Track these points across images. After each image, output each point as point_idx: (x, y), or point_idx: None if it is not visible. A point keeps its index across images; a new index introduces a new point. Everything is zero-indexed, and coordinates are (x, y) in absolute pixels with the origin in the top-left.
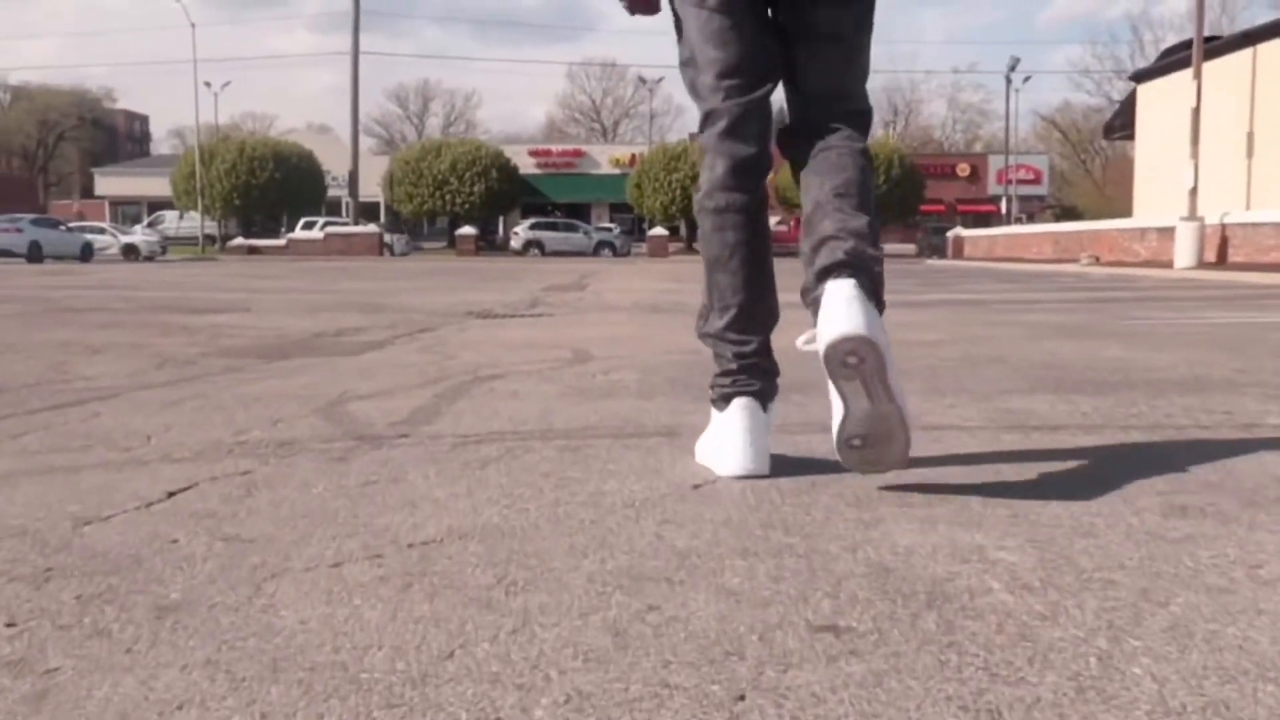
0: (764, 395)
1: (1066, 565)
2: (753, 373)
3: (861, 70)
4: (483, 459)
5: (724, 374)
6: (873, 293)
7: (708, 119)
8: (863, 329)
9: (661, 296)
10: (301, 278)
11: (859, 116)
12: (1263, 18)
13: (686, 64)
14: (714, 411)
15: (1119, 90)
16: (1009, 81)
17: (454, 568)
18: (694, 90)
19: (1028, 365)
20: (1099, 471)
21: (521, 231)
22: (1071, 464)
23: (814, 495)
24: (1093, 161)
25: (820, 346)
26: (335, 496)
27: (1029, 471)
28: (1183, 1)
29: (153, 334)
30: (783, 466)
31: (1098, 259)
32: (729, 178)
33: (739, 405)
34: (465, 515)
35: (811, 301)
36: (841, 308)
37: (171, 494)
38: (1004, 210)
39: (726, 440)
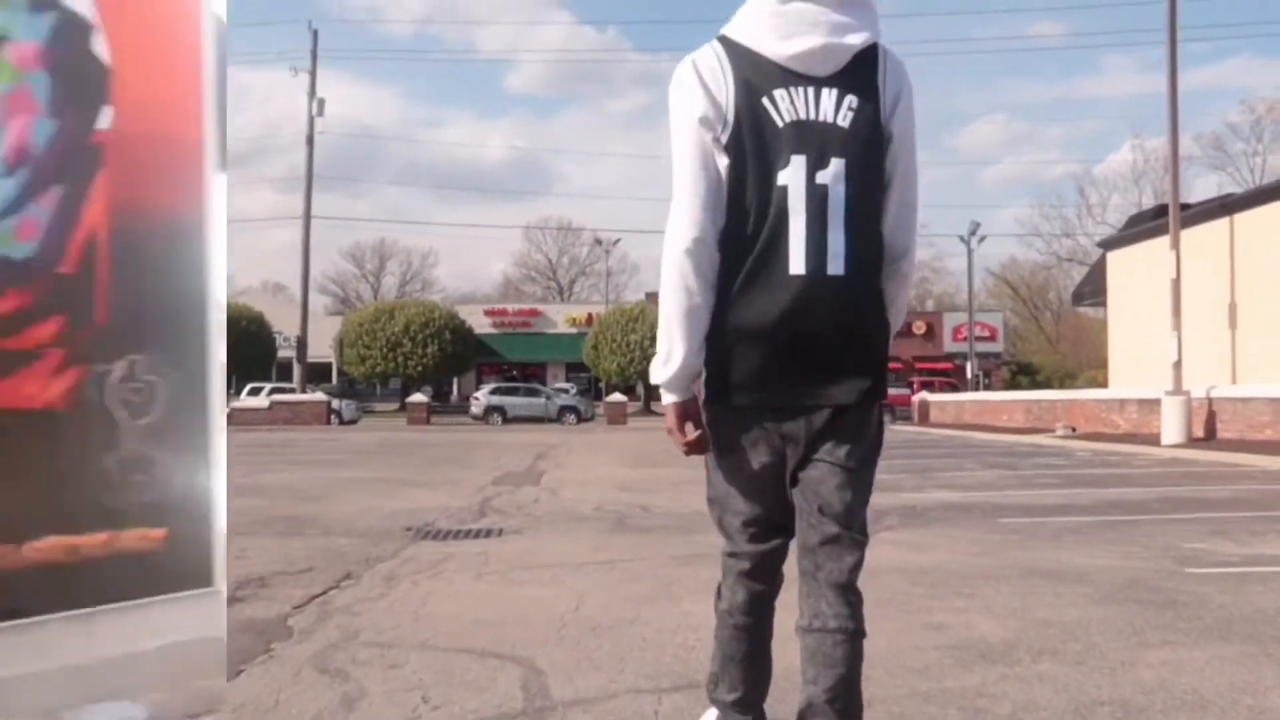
0: None
1: None
2: None
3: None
4: None
5: None
6: None
7: (733, 556)
8: None
9: (625, 496)
10: (232, 462)
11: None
12: (1203, 178)
13: (714, 501)
14: None
15: (1065, 248)
16: (967, 243)
17: None
18: (720, 526)
19: None
20: None
21: (482, 397)
22: None
23: None
24: (1043, 316)
25: None
26: None
27: None
28: (1124, 160)
29: None
30: None
31: (1074, 429)
32: (746, 604)
33: None
34: None
35: None
36: None
37: None
38: (969, 373)
39: None
